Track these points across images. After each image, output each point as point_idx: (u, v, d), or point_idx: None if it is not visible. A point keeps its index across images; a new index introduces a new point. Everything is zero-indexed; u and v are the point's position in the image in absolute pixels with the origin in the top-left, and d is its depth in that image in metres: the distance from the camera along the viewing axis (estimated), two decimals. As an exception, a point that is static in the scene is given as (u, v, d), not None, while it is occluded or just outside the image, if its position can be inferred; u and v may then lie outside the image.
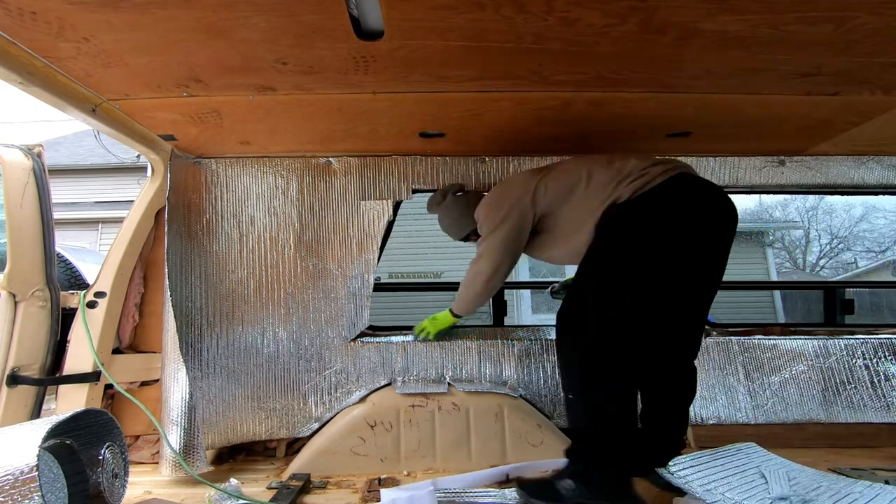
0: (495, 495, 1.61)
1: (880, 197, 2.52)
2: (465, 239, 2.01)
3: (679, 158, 2.19)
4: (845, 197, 2.58)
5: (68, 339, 1.93)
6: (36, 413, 1.85)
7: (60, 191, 10.12)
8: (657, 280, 1.49)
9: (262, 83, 1.49)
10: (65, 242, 3.91)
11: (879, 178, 2.31)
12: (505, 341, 2.16)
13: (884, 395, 2.17)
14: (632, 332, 1.49)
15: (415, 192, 2.20)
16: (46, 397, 1.89)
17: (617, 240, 1.52)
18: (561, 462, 1.56)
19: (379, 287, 2.26)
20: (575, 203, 1.64)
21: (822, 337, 2.24)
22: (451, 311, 2.07)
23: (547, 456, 1.88)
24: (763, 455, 1.75)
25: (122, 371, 2.01)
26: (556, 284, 2.20)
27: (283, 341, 2.10)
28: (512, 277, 2.15)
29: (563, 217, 1.68)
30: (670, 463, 1.56)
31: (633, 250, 1.49)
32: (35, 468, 1.14)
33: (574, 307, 1.55)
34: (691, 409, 1.76)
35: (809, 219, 16.43)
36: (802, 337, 2.24)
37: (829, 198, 14.68)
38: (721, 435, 1.65)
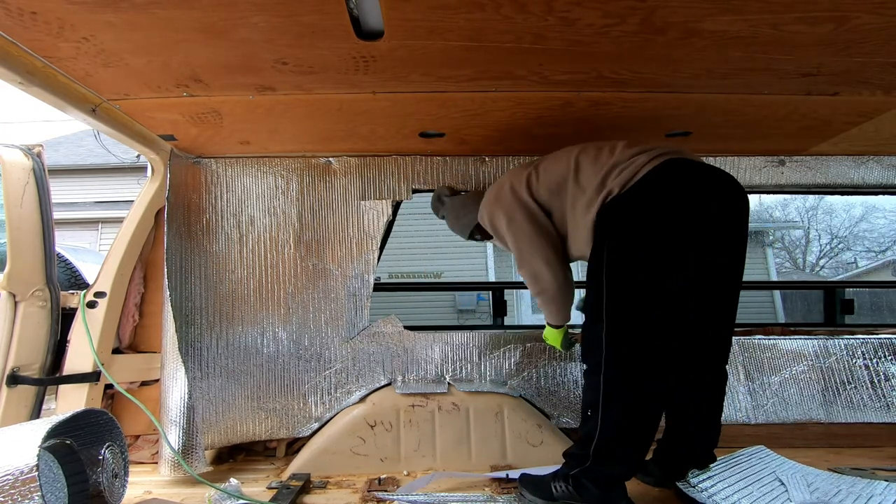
0: (486, 499, 1.61)
1: (880, 197, 2.52)
2: (471, 237, 1.97)
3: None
4: (845, 197, 2.58)
5: (68, 339, 1.93)
6: (36, 413, 1.85)
7: (60, 191, 10.11)
8: (666, 279, 1.39)
9: (262, 83, 1.49)
10: (65, 242, 3.90)
11: (879, 178, 2.31)
12: (505, 341, 2.15)
13: (884, 395, 2.17)
14: (652, 342, 1.39)
15: (415, 192, 2.20)
16: (46, 397, 1.89)
17: (614, 241, 1.43)
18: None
19: (379, 287, 2.26)
20: (567, 197, 1.57)
21: (822, 337, 2.24)
22: (548, 324, 1.84)
23: (547, 456, 1.88)
24: (775, 458, 1.75)
25: (122, 371, 2.01)
26: None
27: (283, 341, 2.10)
28: (511, 277, 2.15)
29: (559, 212, 1.62)
30: (689, 476, 1.55)
31: (633, 249, 1.41)
32: (35, 468, 1.14)
33: (590, 321, 1.47)
34: None
35: (809, 219, 16.43)
36: (802, 337, 2.24)
37: (829, 198, 14.69)
38: (721, 435, 1.66)
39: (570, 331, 1.85)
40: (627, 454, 1.42)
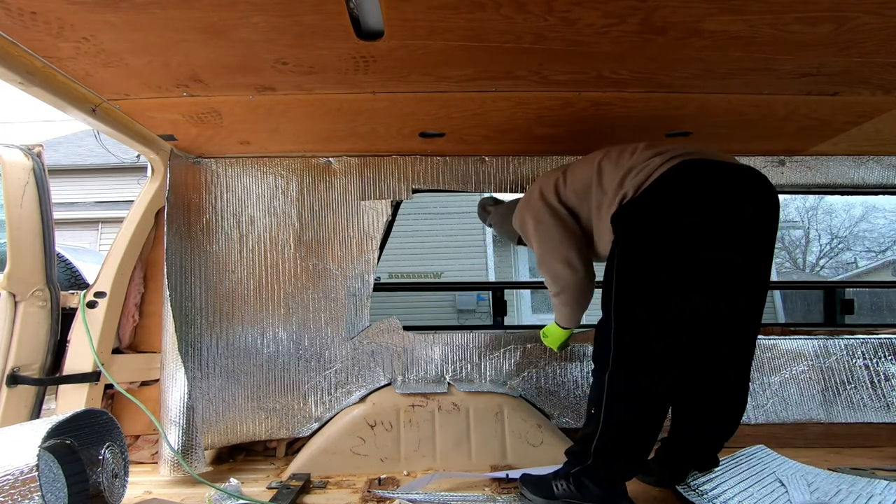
0: (486, 499, 1.61)
1: (880, 197, 2.52)
2: (520, 243, 1.98)
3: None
4: (845, 197, 2.58)
5: (68, 339, 1.93)
6: (36, 413, 1.85)
7: (60, 191, 10.12)
8: (674, 281, 1.38)
9: (262, 83, 1.49)
10: (65, 242, 3.90)
11: (879, 178, 2.31)
12: (505, 341, 2.15)
13: (884, 395, 2.17)
14: (651, 344, 1.39)
15: (415, 192, 2.19)
16: (46, 397, 1.89)
17: (625, 242, 1.43)
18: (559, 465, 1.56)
19: (379, 287, 2.26)
20: (592, 200, 1.58)
21: (822, 337, 2.24)
22: (556, 323, 1.83)
23: (547, 456, 1.88)
24: (775, 458, 1.75)
25: (122, 371, 2.01)
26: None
27: (283, 341, 2.10)
28: (511, 277, 2.15)
29: (586, 215, 1.62)
30: (690, 477, 1.55)
31: (640, 250, 1.41)
32: (35, 468, 1.14)
33: (602, 319, 1.47)
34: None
35: (809, 219, 16.43)
36: (802, 337, 2.24)
37: (829, 198, 14.68)
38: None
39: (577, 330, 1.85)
40: (628, 453, 1.42)
